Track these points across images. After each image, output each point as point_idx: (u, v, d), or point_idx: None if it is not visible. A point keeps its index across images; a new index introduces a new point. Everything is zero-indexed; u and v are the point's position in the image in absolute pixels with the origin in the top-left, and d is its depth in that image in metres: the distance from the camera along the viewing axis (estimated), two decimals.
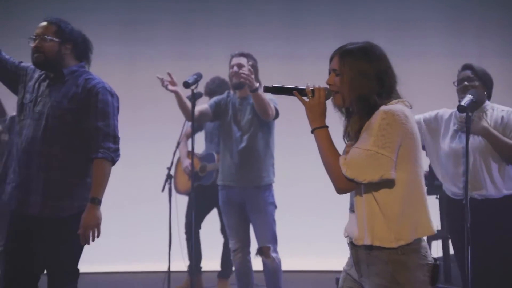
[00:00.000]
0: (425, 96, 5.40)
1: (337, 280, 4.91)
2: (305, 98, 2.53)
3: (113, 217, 6.56)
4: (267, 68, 6.01)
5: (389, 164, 2.37)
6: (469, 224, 3.75)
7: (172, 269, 5.30)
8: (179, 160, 5.84)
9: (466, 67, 4.03)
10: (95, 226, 3.42)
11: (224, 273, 5.76)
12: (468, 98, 3.73)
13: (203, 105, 4.97)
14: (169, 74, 4.61)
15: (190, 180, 5.61)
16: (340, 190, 2.47)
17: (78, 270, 3.56)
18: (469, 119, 3.75)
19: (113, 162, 3.50)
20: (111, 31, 7.06)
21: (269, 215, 4.87)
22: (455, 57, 6.60)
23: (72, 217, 3.44)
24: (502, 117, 3.94)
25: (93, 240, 3.42)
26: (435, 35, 7.02)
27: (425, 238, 2.48)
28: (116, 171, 6.73)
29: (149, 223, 6.35)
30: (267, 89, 2.60)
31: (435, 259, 2.48)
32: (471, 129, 3.78)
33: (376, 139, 2.37)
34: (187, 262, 5.69)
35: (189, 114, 4.67)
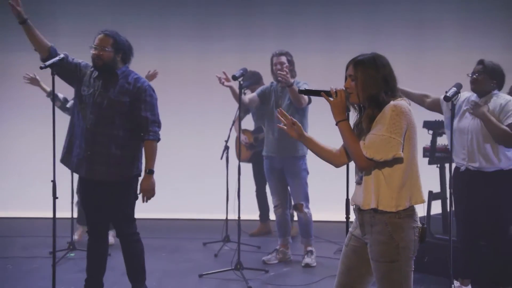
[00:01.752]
0: (437, 82, 5.45)
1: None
2: (330, 98, 2.64)
3: (184, 176, 7.14)
4: (309, 61, 6.28)
5: (399, 145, 2.51)
6: (451, 190, 4.05)
7: (229, 218, 5.83)
8: (237, 137, 6.24)
9: (479, 62, 4.13)
10: (151, 190, 3.82)
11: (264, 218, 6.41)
12: (452, 90, 3.96)
13: (253, 93, 5.34)
14: (224, 73, 4.87)
15: (248, 150, 6.20)
16: (362, 168, 2.60)
17: (134, 219, 3.95)
18: (453, 107, 3.99)
19: (158, 141, 3.87)
20: (188, 31, 7.41)
21: (303, 179, 5.21)
22: (463, 51, 6.76)
23: (127, 181, 3.84)
24: (501, 104, 4.02)
25: (148, 200, 3.82)
26: (447, 33, 7.04)
27: (416, 206, 2.61)
28: (190, 144, 7.08)
29: (211, 182, 6.68)
30: (301, 92, 2.80)
31: (423, 224, 2.62)
32: (475, 112, 3.93)
33: (389, 127, 2.50)
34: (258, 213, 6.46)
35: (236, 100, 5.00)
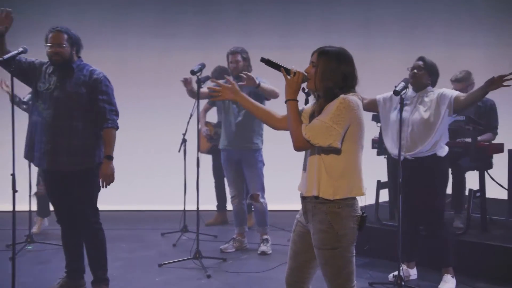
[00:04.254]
0: (383, 77, 5.58)
1: None
2: (288, 76, 2.58)
3: (143, 169, 7.02)
4: (266, 56, 6.22)
5: (338, 136, 2.48)
6: (401, 179, 4.01)
7: (186, 208, 5.69)
8: (200, 129, 6.13)
9: (419, 58, 4.17)
10: (111, 175, 3.75)
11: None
12: (401, 84, 3.98)
13: (204, 88, 5.10)
14: (186, 79, 4.86)
15: (207, 142, 6.12)
16: (297, 148, 2.58)
17: (97, 208, 3.90)
18: (402, 100, 4.00)
19: (117, 128, 3.82)
20: (148, 28, 7.26)
21: (259, 170, 5.18)
22: (406, 48, 6.82)
23: (90, 170, 3.79)
24: (438, 93, 4.06)
25: (107, 185, 3.74)
26: (392, 31, 7.08)
27: (357, 197, 2.58)
28: (149, 137, 6.90)
29: (169, 175, 6.54)
30: (263, 60, 2.64)
31: (363, 212, 2.59)
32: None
33: (333, 116, 2.47)
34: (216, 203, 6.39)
35: (194, 96, 4.93)
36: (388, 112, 4.28)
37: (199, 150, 5.03)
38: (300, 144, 2.56)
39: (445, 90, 4.16)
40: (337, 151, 2.53)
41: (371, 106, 4.38)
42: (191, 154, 5.44)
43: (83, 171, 3.82)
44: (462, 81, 5.13)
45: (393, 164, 4.33)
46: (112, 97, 3.85)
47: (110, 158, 3.79)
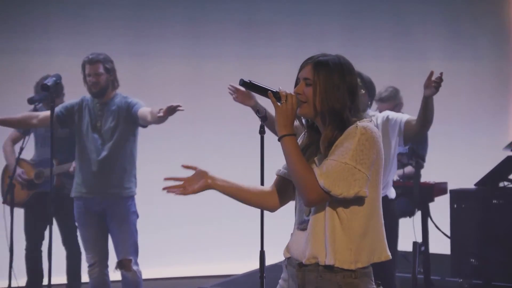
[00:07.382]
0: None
1: None
2: (278, 103, 2.11)
3: None
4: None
5: (365, 180, 2.04)
6: None
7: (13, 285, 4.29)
8: (6, 168, 4.62)
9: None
10: None
11: (72, 286, 4.68)
12: None
13: (46, 112, 4.02)
14: None
15: (24, 189, 4.57)
16: (311, 202, 2.06)
17: None
18: None
19: None
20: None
21: (131, 225, 4.11)
22: (298, 58, 6.34)
23: None
24: (382, 117, 3.56)
25: None
26: (281, 38, 6.40)
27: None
28: None
29: None
30: (244, 83, 2.18)
31: (378, 283, 2.17)
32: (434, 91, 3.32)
33: (354, 154, 2.02)
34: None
35: (16, 126, 4.23)
36: None
37: (11, 202, 4.09)
38: (315, 196, 2.03)
39: (390, 113, 3.59)
40: (357, 201, 2.06)
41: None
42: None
43: None
44: (388, 101, 4.55)
45: None
46: None
47: None
